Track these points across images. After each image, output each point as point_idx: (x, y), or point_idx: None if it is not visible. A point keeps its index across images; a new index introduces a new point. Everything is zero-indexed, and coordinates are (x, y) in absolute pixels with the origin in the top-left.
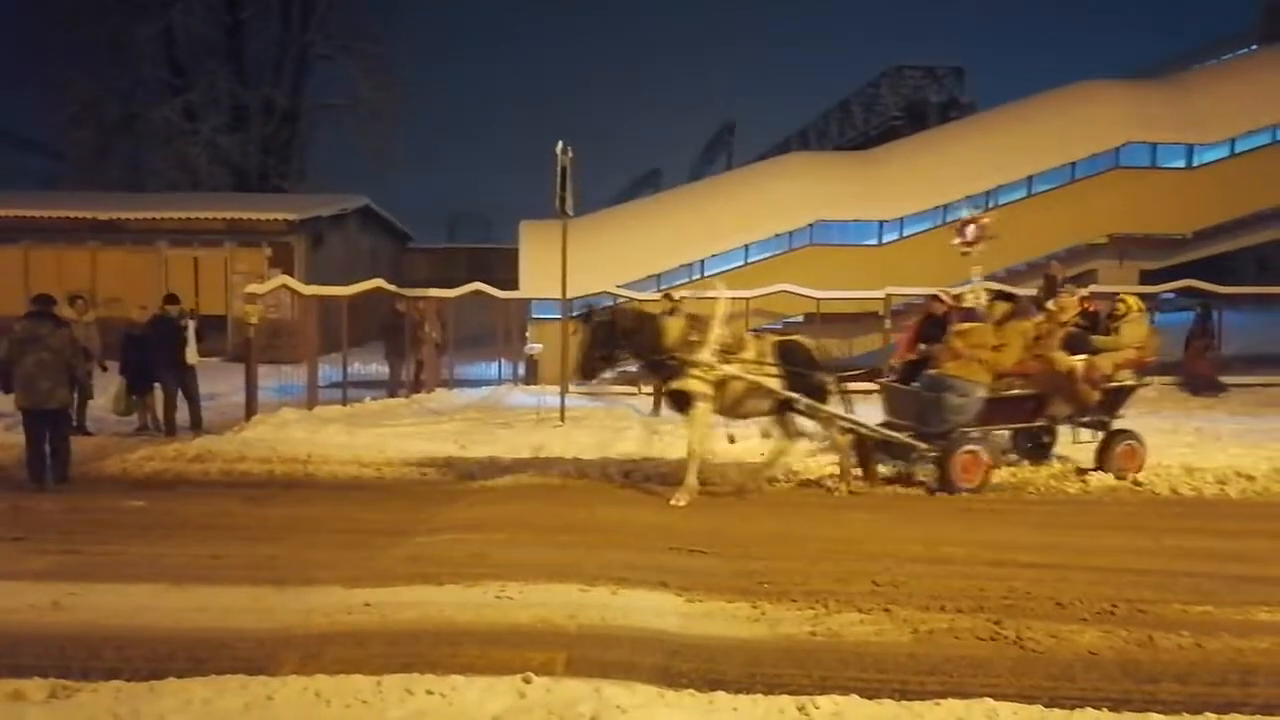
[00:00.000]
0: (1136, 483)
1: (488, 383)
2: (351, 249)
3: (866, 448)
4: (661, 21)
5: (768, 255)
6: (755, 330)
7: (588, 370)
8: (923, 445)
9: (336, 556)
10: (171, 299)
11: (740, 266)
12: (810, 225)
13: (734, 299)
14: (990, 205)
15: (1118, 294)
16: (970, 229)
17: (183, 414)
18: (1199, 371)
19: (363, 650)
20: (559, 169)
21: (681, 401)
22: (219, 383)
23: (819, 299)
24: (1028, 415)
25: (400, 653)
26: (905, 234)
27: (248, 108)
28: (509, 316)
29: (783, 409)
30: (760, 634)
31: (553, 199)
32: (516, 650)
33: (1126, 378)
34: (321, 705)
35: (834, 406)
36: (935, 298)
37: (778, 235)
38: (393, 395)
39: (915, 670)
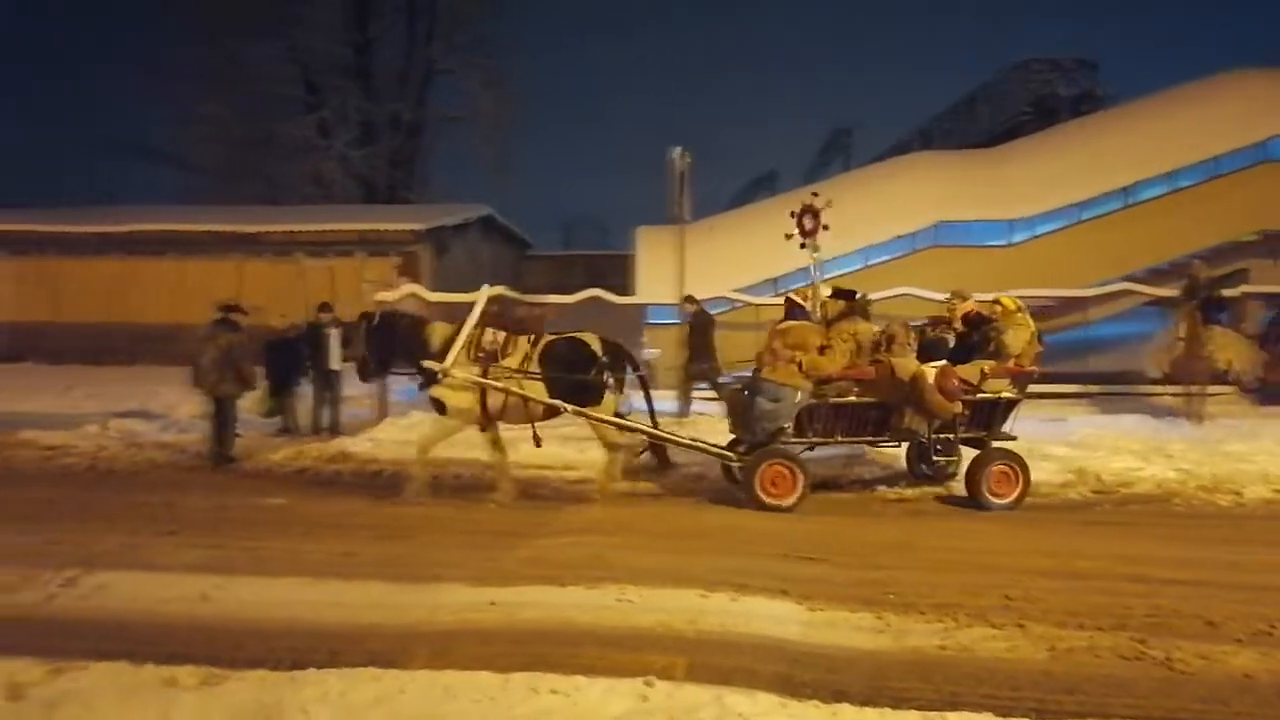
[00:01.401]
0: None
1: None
2: (474, 257)
3: (661, 449)
4: (778, 24)
5: (889, 258)
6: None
7: (364, 373)
8: (730, 455)
9: (461, 556)
10: (325, 307)
11: (860, 269)
12: (933, 226)
13: (490, 299)
14: (1129, 202)
15: (995, 298)
16: (808, 218)
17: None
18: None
19: (488, 648)
20: (676, 174)
21: (439, 408)
22: (352, 387)
23: (941, 302)
24: (873, 427)
25: (524, 651)
26: (1035, 233)
27: (376, 123)
28: (625, 322)
29: (555, 412)
30: (885, 646)
31: (670, 204)
32: (637, 653)
33: (1002, 389)
34: (450, 700)
35: (610, 405)
36: (788, 298)
37: (899, 237)
38: None
39: (1052, 689)
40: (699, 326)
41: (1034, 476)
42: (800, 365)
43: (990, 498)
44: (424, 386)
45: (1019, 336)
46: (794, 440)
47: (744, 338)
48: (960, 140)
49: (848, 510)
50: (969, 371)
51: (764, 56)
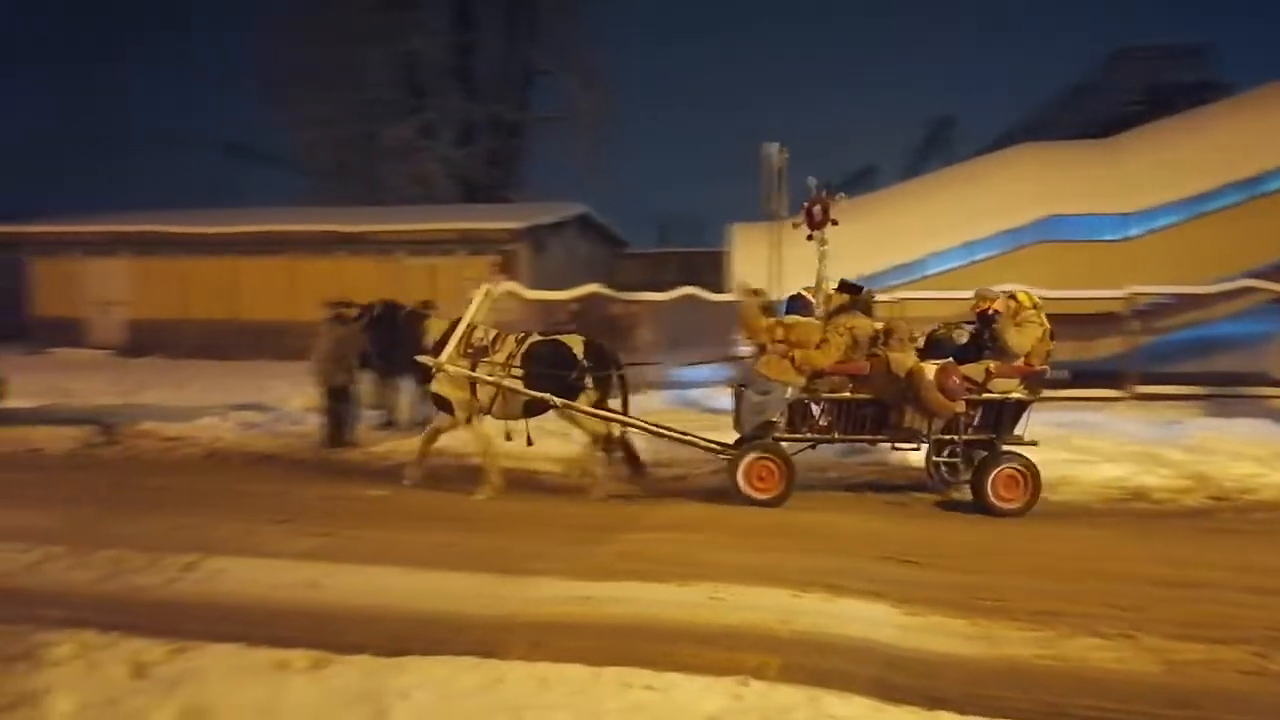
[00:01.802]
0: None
1: (699, 385)
2: (570, 255)
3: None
4: (875, 15)
5: (992, 254)
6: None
7: (365, 364)
8: (716, 449)
9: (555, 549)
10: (427, 305)
11: (962, 265)
12: (1041, 220)
13: (484, 298)
14: (1254, 194)
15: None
16: (817, 210)
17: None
18: None
19: (582, 641)
20: (771, 170)
21: (440, 403)
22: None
23: (1050, 299)
24: (871, 425)
25: (616, 646)
26: (1152, 227)
27: (477, 123)
28: (721, 320)
29: (541, 409)
30: (983, 653)
31: (765, 201)
32: (730, 652)
33: (1011, 389)
34: (546, 691)
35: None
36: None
37: (1004, 232)
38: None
39: (1165, 703)
40: None
41: (1149, 481)
42: (793, 360)
43: (996, 502)
44: (423, 381)
45: (1027, 335)
46: (794, 437)
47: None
48: (1067, 131)
49: (944, 512)
50: (974, 370)
51: (863, 49)
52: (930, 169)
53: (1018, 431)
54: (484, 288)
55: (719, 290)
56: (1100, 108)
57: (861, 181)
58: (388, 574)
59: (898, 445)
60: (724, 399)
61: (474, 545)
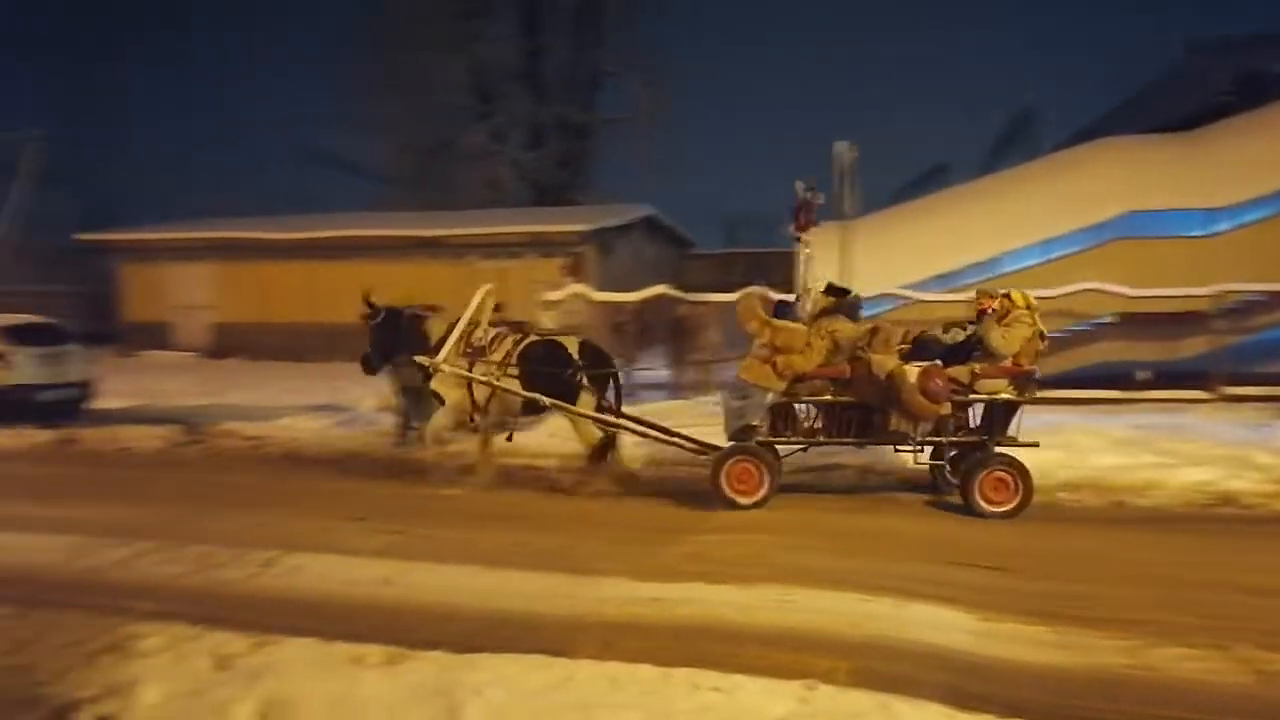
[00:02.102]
0: None
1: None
2: (637, 256)
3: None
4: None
5: (1070, 251)
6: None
7: (368, 368)
8: (697, 450)
9: (624, 550)
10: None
11: (1038, 264)
12: (1121, 216)
13: (483, 299)
14: None
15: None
16: (804, 213)
17: None
18: None
19: (651, 642)
20: (840, 168)
21: (441, 401)
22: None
23: (1132, 297)
24: (856, 428)
25: (684, 647)
26: (1240, 223)
27: (545, 127)
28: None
29: (539, 407)
30: (1064, 662)
31: (834, 199)
32: (798, 655)
33: (999, 390)
34: (615, 690)
35: (586, 405)
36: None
37: (1082, 229)
38: (675, 397)
39: (1256, 715)
40: None
41: (1237, 486)
42: (775, 365)
43: (984, 505)
44: (425, 379)
45: (1013, 335)
46: (777, 440)
47: None
48: (1150, 124)
49: (1026, 517)
50: (959, 371)
51: (936, 44)
52: (1007, 165)
53: (1010, 433)
54: (484, 288)
55: (786, 290)
56: (1185, 100)
57: (933, 180)
58: (460, 572)
59: (900, 448)
60: None
61: (544, 545)
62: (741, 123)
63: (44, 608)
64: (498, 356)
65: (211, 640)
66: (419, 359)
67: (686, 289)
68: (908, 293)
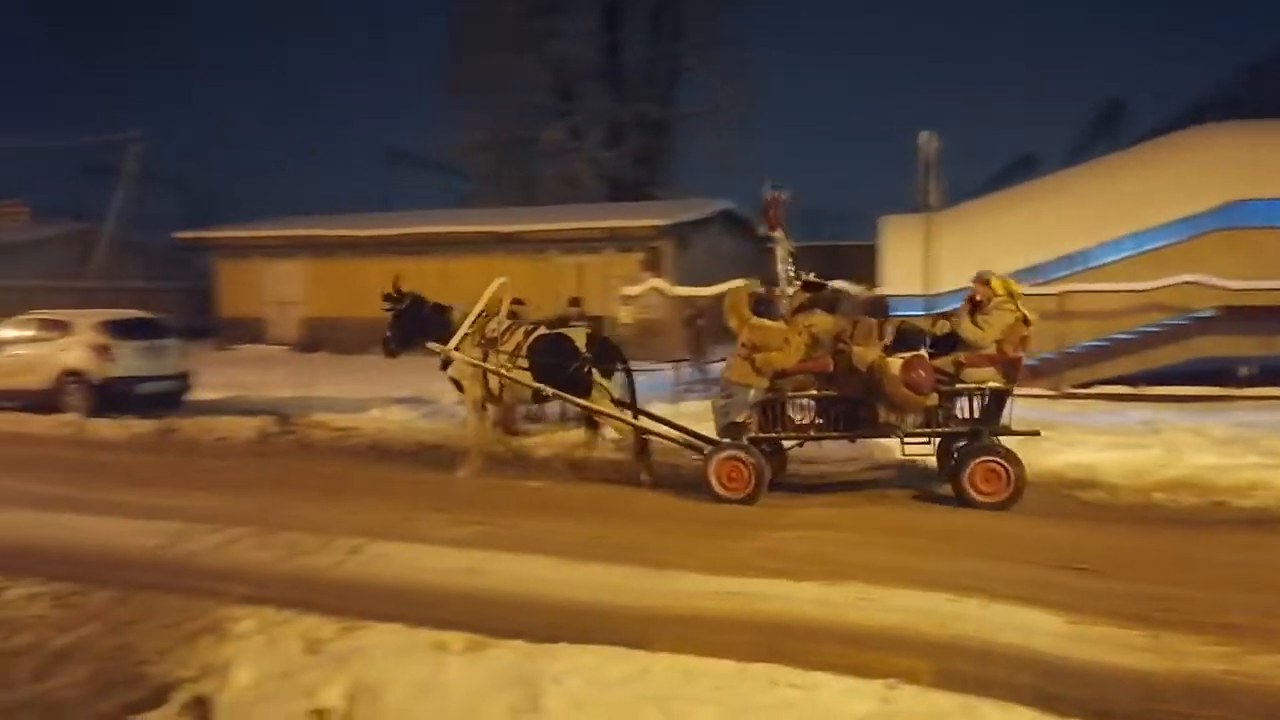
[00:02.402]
0: None
1: None
2: (715, 250)
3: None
4: None
5: (1168, 243)
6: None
7: (387, 350)
8: (697, 444)
9: (699, 544)
10: (574, 302)
11: (1132, 256)
12: (1224, 206)
13: (498, 291)
14: None
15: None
16: (774, 211)
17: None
18: None
19: (727, 636)
20: (922, 160)
21: (458, 387)
22: None
23: (1234, 290)
24: (844, 421)
25: (762, 642)
26: None
27: (623, 123)
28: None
29: (543, 398)
30: (1158, 667)
31: (916, 192)
32: (879, 654)
33: (988, 379)
34: (691, 684)
35: (600, 398)
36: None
37: (1181, 219)
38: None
39: None
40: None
41: None
42: (753, 363)
43: (974, 495)
44: (444, 367)
45: (991, 322)
46: (767, 436)
47: None
48: (1251, 110)
49: (1119, 518)
50: (943, 361)
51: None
52: (1097, 155)
53: (1004, 422)
54: (497, 281)
55: (868, 284)
56: None
57: (1021, 171)
58: (542, 563)
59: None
60: None
61: (621, 538)
62: (823, 115)
63: (145, 590)
64: (509, 347)
65: (302, 624)
66: (432, 345)
67: (766, 282)
68: None
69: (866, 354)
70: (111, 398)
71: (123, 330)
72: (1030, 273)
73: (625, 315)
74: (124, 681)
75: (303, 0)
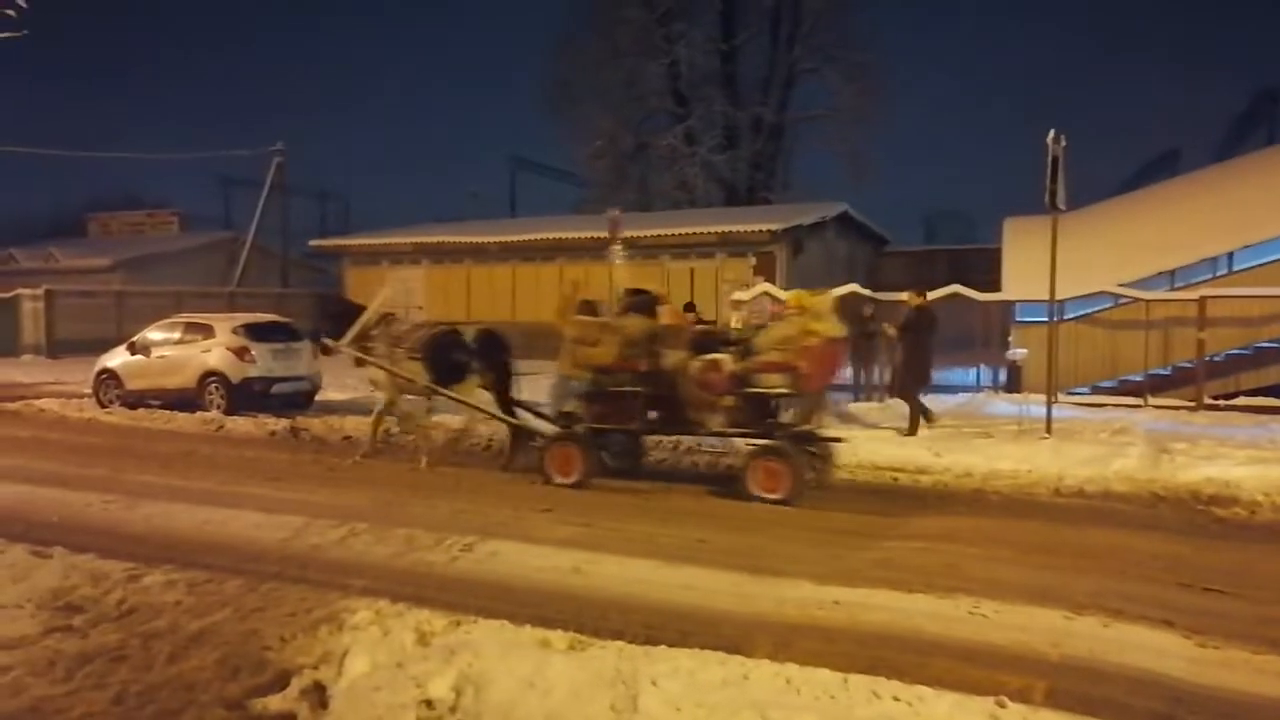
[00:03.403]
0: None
1: (966, 389)
2: (829, 254)
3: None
4: None
5: None
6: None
7: (318, 349)
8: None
9: (808, 553)
10: (689, 307)
11: (1277, 260)
12: None
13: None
14: None
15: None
16: (613, 229)
17: None
18: None
19: (831, 645)
20: (1050, 160)
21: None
22: None
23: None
24: (661, 419)
25: (866, 654)
26: None
27: (738, 127)
28: (989, 320)
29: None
30: None
31: (1043, 193)
32: (990, 671)
33: (777, 385)
34: (791, 692)
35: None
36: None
37: None
38: (860, 399)
39: None
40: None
41: None
42: (575, 356)
43: (758, 492)
44: (358, 364)
45: (773, 332)
46: (599, 426)
47: (1132, 338)
48: None
49: (1258, 536)
50: (737, 366)
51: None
52: (1248, 149)
53: (810, 426)
54: (384, 290)
55: (991, 288)
56: None
57: (1162, 167)
58: (644, 566)
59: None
60: (1000, 405)
61: (727, 543)
62: (946, 117)
63: (272, 580)
64: (409, 344)
65: (414, 618)
66: (325, 341)
67: (881, 288)
68: (1126, 291)
69: (671, 356)
70: (248, 397)
71: (259, 334)
72: (1166, 277)
73: (735, 321)
74: (250, 666)
75: (431, 13)
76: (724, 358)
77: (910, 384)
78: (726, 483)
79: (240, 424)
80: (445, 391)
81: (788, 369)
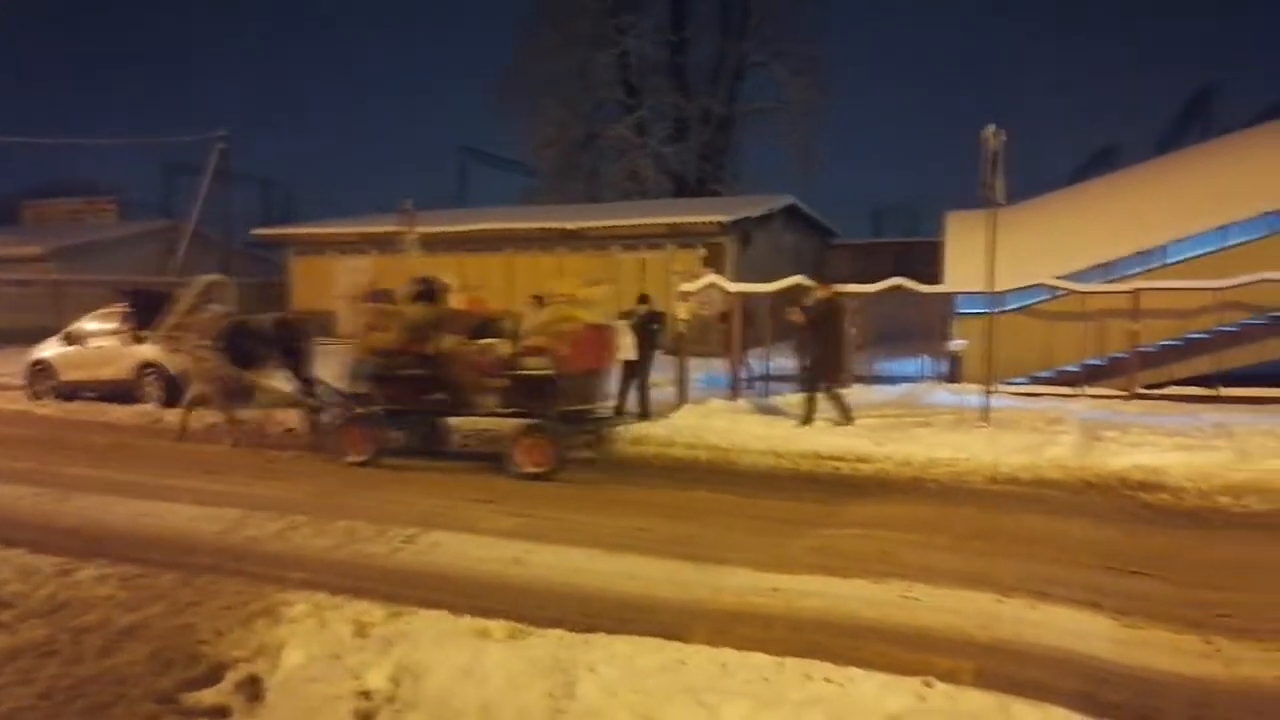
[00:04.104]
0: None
1: (907, 380)
2: (777, 246)
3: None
4: None
5: (1251, 238)
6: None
7: (133, 339)
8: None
9: (747, 541)
10: (643, 299)
11: (1212, 252)
12: None
13: (210, 286)
14: None
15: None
16: (403, 220)
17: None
18: None
19: (767, 631)
20: (988, 154)
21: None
22: (655, 373)
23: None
24: (441, 399)
25: (802, 639)
26: None
27: (688, 119)
28: (931, 311)
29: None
30: (1211, 673)
31: (981, 187)
32: (920, 653)
33: (540, 367)
34: (727, 676)
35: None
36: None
37: (1267, 214)
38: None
39: None
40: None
41: None
42: (364, 340)
43: (521, 466)
44: (170, 353)
45: (534, 319)
46: (387, 407)
47: (1069, 329)
48: None
49: (1183, 521)
50: (505, 349)
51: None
52: (1186, 144)
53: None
54: (206, 278)
55: (935, 281)
56: None
57: (1102, 163)
58: (585, 555)
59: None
60: (940, 395)
61: (668, 532)
62: (893, 111)
63: (207, 573)
64: (209, 335)
65: (352, 609)
66: (138, 332)
67: (827, 280)
68: (1063, 283)
69: (446, 340)
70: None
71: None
72: (1102, 270)
73: (683, 311)
74: (183, 660)
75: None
76: (497, 342)
77: (817, 376)
78: (498, 459)
79: (177, 416)
80: (245, 376)
81: (548, 352)
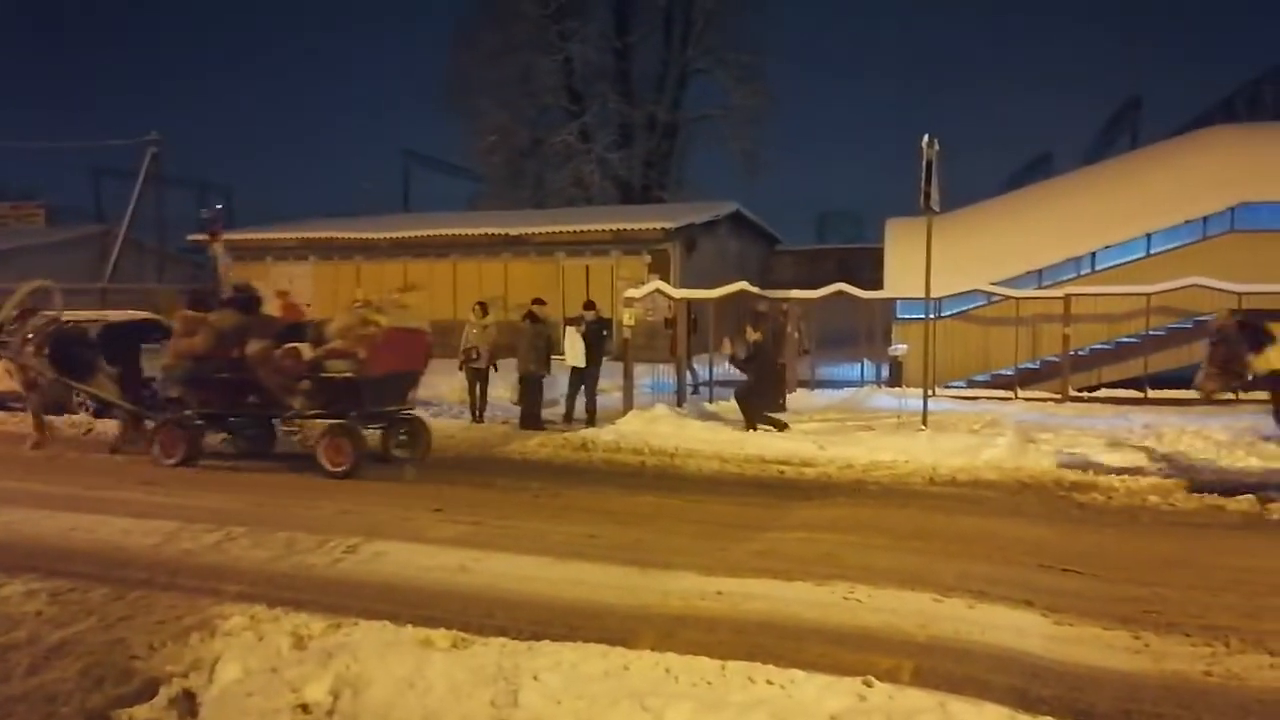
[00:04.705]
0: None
1: (850, 384)
2: (722, 253)
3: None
4: None
5: (1175, 245)
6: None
7: None
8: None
9: (694, 545)
10: (589, 305)
11: (1140, 259)
12: (1232, 208)
13: (33, 291)
14: None
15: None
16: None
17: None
18: None
19: (711, 635)
20: (924, 163)
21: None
22: (602, 379)
23: (1240, 294)
24: (254, 400)
25: (746, 642)
26: None
27: (633, 125)
28: (873, 317)
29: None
30: (1140, 667)
31: (917, 195)
32: (861, 653)
33: (342, 370)
34: (670, 680)
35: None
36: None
37: (1189, 222)
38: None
39: None
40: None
41: None
42: (179, 345)
43: (327, 465)
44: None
45: (336, 324)
46: (201, 411)
47: (1004, 334)
48: (1267, 113)
49: (1114, 520)
50: (309, 352)
51: (1042, 27)
52: (1114, 152)
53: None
54: (32, 283)
55: (877, 287)
56: None
57: (1038, 169)
58: (533, 563)
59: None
60: (882, 399)
61: (616, 538)
62: (838, 118)
63: (140, 587)
64: (36, 341)
65: (291, 621)
66: None
67: (772, 286)
68: (998, 289)
69: (253, 345)
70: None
71: (132, 333)
72: (1035, 276)
73: (628, 317)
74: (115, 676)
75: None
76: (302, 346)
77: (753, 405)
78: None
79: (110, 427)
80: (72, 383)
81: (349, 356)
